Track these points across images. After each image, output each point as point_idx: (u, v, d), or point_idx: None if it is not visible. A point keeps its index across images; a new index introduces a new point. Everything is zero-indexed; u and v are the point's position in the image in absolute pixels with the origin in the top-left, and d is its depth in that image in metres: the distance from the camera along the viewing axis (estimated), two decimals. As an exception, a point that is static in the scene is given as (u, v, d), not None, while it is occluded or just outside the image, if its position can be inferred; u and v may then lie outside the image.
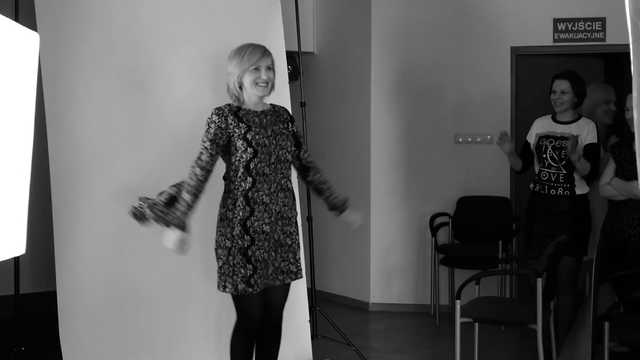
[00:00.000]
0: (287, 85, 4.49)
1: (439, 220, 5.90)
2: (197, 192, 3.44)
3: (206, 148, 3.46)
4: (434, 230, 5.82)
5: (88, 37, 4.03)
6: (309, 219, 4.85)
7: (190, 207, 3.42)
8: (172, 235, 3.42)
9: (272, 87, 3.63)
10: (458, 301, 4.08)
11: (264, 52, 3.58)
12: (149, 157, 4.13)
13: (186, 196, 3.43)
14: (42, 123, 3.72)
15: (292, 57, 5.60)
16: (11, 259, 1.66)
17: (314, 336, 4.66)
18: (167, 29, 4.21)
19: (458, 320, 4.05)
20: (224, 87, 3.64)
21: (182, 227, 3.41)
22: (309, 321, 4.53)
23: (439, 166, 6.04)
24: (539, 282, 3.92)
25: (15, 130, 1.59)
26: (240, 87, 3.57)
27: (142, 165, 4.12)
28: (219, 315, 4.12)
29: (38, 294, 5.32)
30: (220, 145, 3.48)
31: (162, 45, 4.19)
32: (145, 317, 4.11)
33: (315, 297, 4.81)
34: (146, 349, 4.10)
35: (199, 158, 3.46)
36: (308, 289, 4.60)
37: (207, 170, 3.46)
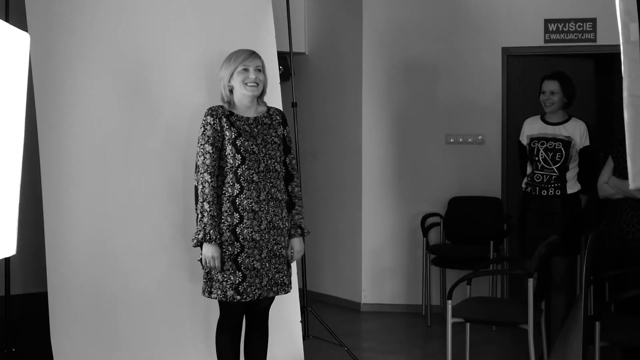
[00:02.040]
0: (279, 85, 4.48)
1: (430, 220, 5.90)
2: (214, 199, 3.43)
3: (207, 152, 3.45)
4: (425, 230, 5.82)
5: (79, 37, 4.02)
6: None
7: (213, 216, 3.41)
8: (204, 252, 3.42)
9: (264, 90, 3.61)
10: (449, 301, 4.07)
11: (251, 53, 3.57)
12: (141, 157, 4.12)
13: (206, 205, 3.41)
14: (33, 124, 3.70)
15: (284, 58, 5.59)
16: (2, 259, 1.64)
17: (305, 336, 4.65)
18: (159, 29, 4.20)
19: (449, 320, 4.05)
20: (217, 87, 3.65)
21: (211, 239, 3.39)
22: (301, 321, 4.52)
23: (430, 166, 6.04)
24: (530, 282, 3.93)
25: (6, 131, 1.58)
26: (231, 91, 3.55)
27: (134, 165, 4.11)
28: (207, 315, 4.11)
29: (29, 295, 5.30)
30: (218, 147, 3.47)
31: (154, 45, 4.18)
32: (135, 318, 4.10)
33: (307, 298, 4.80)
34: (136, 350, 4.09)
35: (203, 163, 3.45)
36: (299, 289, 4.59)
37: (215, 174, 3.45)
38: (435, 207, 5.95)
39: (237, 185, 3.46)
